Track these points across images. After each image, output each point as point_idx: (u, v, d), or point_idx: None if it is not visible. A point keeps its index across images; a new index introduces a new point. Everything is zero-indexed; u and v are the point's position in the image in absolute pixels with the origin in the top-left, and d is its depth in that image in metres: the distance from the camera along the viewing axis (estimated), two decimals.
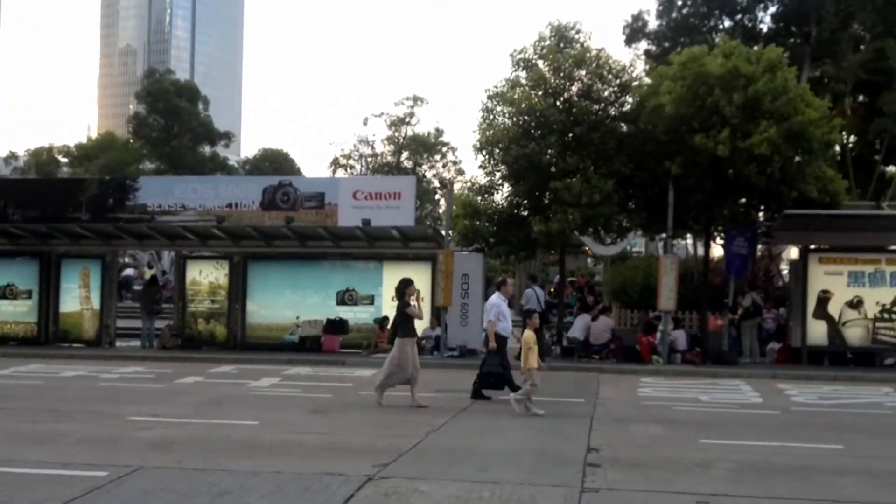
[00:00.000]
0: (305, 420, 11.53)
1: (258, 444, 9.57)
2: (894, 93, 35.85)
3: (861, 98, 40.59)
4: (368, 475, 7.88)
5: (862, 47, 38.33)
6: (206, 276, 21.54)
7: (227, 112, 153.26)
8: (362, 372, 17.24)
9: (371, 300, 21.00)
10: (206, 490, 7.36)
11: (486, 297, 22.45)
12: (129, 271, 38.17)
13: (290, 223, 21.47)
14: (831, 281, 18.85)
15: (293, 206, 23.69)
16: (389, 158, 62.17)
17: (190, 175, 47.99)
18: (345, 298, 21.10)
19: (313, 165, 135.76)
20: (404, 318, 13.00)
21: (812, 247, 19.37)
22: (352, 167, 61.95)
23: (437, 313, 19.83)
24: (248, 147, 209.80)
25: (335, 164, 62.03)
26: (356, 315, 21.02)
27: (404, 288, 13.28)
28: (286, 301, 21.30)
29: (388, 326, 19.92)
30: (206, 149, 67.18)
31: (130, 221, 22.74)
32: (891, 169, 41.82)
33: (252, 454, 8.94)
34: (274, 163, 72.52)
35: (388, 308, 20.56)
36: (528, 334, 12.20)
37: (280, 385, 15.34)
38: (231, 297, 21.30)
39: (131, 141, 69.50)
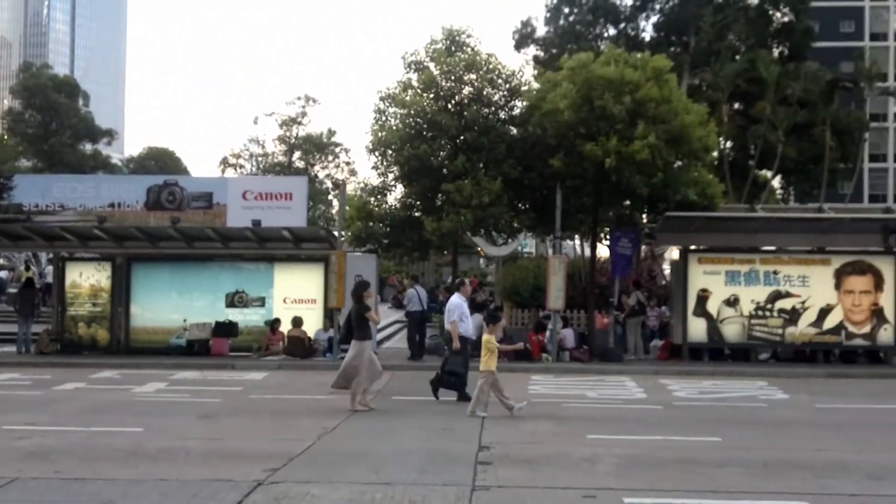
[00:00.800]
0: (193, 426, 11.24)
1: (142, 451, 9.27)
2: (767, 101, 37.86)
3: (737, 106, 42.67)
4: (258, 480, 7.76)
5: (737, 57, 40.25)
6: (88, 278, 20.70)
7: (109, 109, 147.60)
8: (253, 375, 16.95)
9: (262, 302, 20.65)
10: (87, 500, 7.09)
11: (380, 299, 22.56)
12: (2, 273, 36.40)
13: (176, 223, 20.87)
14: (710, 280, 19.68)
15: (179, 206, 23.15)
16: (281, 158, 61.33)
17: (69, 174, 46.01)
18: (234, 301, 20.67)
19: (202, 165, 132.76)
20: (362, 321, 12.71)
21: (692, 247, 20.20)
22: (241, 167, 60.83)
23: (331, 314, 19.68)
24: (133, 145, 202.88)
25: (224, 163, 60.78)
26: (246, 317, 20.63)
27: (362, 290, 13.13)
28: (173, 304, 20.71)
29: (298, 327, 19.69)
30: (87, 146, 64.58)
31: (5, 221, 21.64)
32: (764, 173, 44.10)
33: (136, 462, 8.66)
34: (160, 161, 70.40)
35: (280, 310, 20.36)
36: (489, 337, 12.22)
37: (166, 390, 14.90)
38: (114, 299, 20.54)
39: (6, 138, 66.10)
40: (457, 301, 13.66)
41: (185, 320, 20.49)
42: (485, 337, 12.27)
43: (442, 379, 13.44)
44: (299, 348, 19.25)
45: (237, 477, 7.86)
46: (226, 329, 20.21)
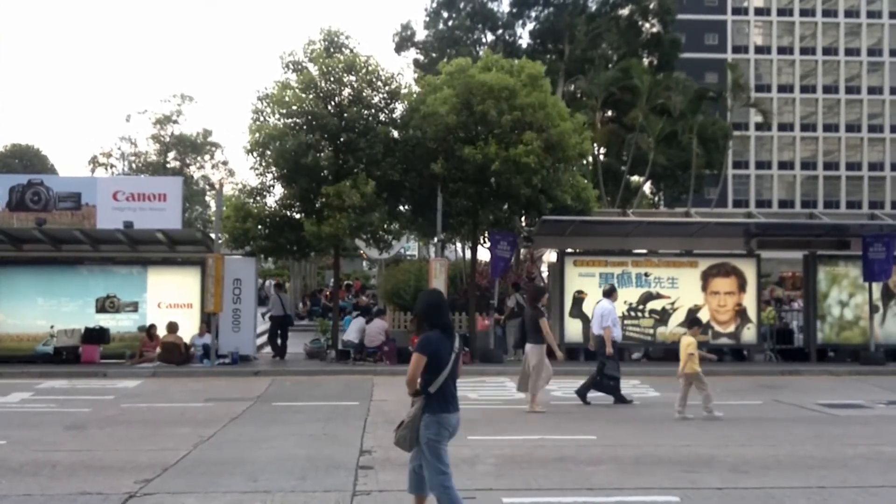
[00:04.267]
0: (60, 437, 10.73)
1: (5, 465, 8.79)
2: (640, 110, 39.42)
3: (610, 113, 44.26)
4: (130, 492, 7.50)
5: (610, 66, 41.74)
6: None
7: None
8: (125, 383, 16.34)
9: (135, 307, 19.92)
10: None
11: (258, 302, 22.14)
12: None
13: (41, 225, 19.90)
14: (585, 282, 20.28)
15: (45, 206, 22.09)
16: (154, 158, 59.24)
17: None
18: (105, 306, 19.85)
19: (70, 164, 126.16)
20: (537, 326, 12.81)
21: (568, 250, 20.78)
22: (113, 166, 58.37)
23: (207, 319, 19.18)
24: None
25: (94, 162, 58.15)
26: (118, 323, 19.84)
27: (540, 296, 13.44)
28: (38, 309, 19.71)
29: (174, 332, 19.04)
30: None
31: None
32: (636, 179, 45.87)
33: None
34: (24, 160, 66.67)
35: (154, 315, 19.69)
36: (691, 340, 12.46)
37: (32, 400, 14.17)
38: None
39: None
40: (608, 306, 13.94)
41: (52, 326, 19.54)
42: (687, 340, 12.56)
43: (600, 383, 13.81)
44: (175, 354, 18.66)
45: (107, 490, 7.58)
46: (96, 335, 19.36)
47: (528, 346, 13.07)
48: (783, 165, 76.02)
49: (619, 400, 13.75)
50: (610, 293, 14.51)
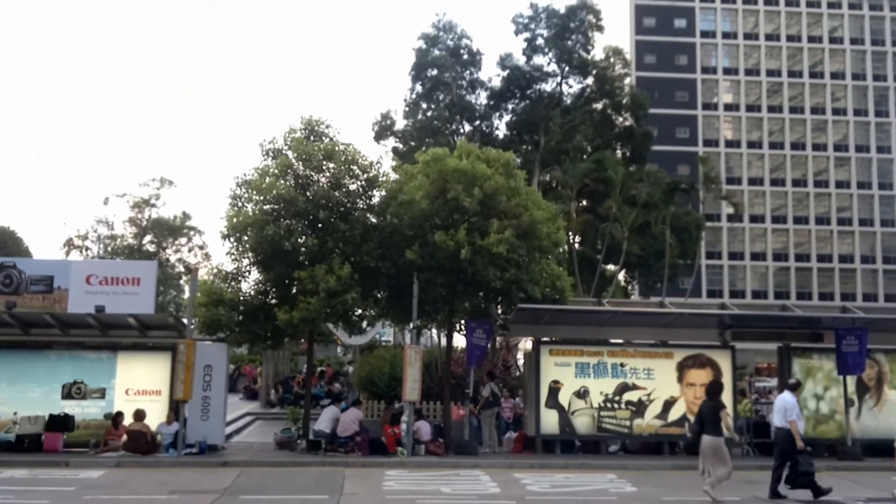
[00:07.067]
0: None
1: None
2: (613, 200, 40.06)
3: (585, 203, 44.97)
4: None
5: (585, 157, 42.63)
6: None
7: None
8: (88, 473, 15.80)
9: (102, 394, 19.47)
10: None
11: (228, 389, 21.72)
12: None
13: (11, 308, 19.58)
14: (561, 372, 20.14)
15: (16, 290, 21.78)
16: (131, 241, 59.03)
17: None
18: (72, 392, 19.40)
19: (45, 246, 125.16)
20: (717, 418, 13.20)
21: (543, 339, 20.68)
22: (88, 248, 58.04)
23: (176, 407, 18.75)
24: None
25: (69, 244, 57.83)
26: (84, 410, 19.35)
27: (720, 390, 13.93)
28: (2, 395, 19.22)
29: (141, 420, 18.58)
30: None
31: None
32: (610, 268, 46.24)
33: None
34: None
35: (121, 402, 19.25)
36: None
37: None
38: None
39: None
40: (791, 400, 13.90)
41: (15, 413, 19.01)
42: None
43: (796, 480, 13.62)
44: (140, 443, 18.13)
45: None
46: (60, 423, 18.84)
47: (707, 438, 13.18)
48: (756, 256, 77.02)
49: (818, 493, 13.58)
50: (795, 387, 14.61)
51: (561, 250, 25.85)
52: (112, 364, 19.72)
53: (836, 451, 19.74)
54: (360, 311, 20.37)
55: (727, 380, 20.23)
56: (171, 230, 60.48)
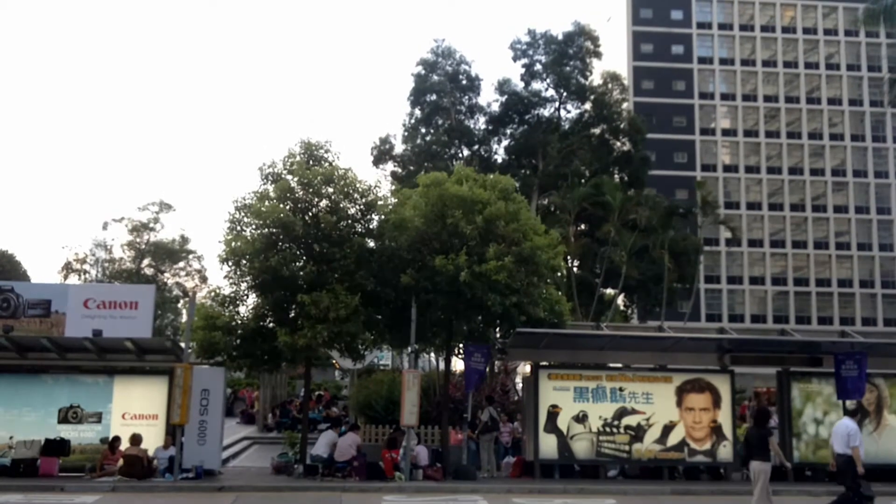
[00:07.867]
0: None
1: None
2: (612, 225, 40.14)
3: (583, 227, 45.06)
4: None
5: (583, 182, 42.77)
6: None
7: None
8: (83, 499, 15.70)
9: (98, 418, 19.39)
10: None
11: (225, 413, 21.61)
12: None
13: (8, 332, 19.55)
14: (560, 396, 20.06)
15: (14, 313, 21.78)
16: (129, 265, 59.02)
17: None
18: (68, 416, 19.32)
19: (44, 270, 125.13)
20: (765, 444, 13.40)
21: (542, 363, 20.62)
22: (86, 272, 58.02)
23: (173, 431, 18.65)
24: None
25: (67, 268, 57.82)
26: (80, 434, 19.27)
27: (769, 417, 14.34)
28: None
29: (137, 444, 18.46)
30: None
31: None
32: (609, 291, 46.24)
33: None
34: None
35: (118, 426, 19.16)
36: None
37: None
38: None
39: None
40: (854, 426, 13.87)
41: (11, 437, 18.92)
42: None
43: None
44: (137, 468, 18.02)
45: None
46: (56, 447, 18.74)
47: (756, 463, 13.25)
48: (754, 280, 77.00)
49: None
50: (855, 413, 14.73)
51: (559, 274, 25.86)
52: (109, 388, 19.66)
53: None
54: (361, 338, 20.30)
55: (726, 404, 20.20)
56: (170, 254, 60.48)
